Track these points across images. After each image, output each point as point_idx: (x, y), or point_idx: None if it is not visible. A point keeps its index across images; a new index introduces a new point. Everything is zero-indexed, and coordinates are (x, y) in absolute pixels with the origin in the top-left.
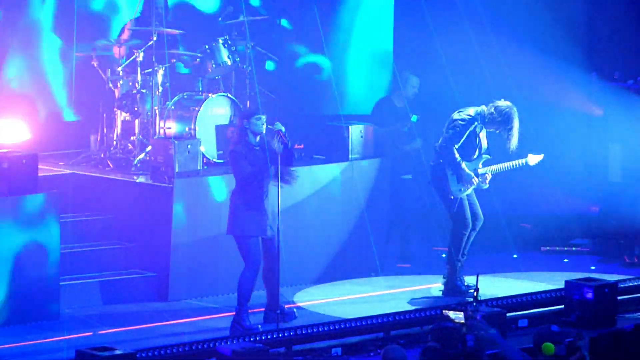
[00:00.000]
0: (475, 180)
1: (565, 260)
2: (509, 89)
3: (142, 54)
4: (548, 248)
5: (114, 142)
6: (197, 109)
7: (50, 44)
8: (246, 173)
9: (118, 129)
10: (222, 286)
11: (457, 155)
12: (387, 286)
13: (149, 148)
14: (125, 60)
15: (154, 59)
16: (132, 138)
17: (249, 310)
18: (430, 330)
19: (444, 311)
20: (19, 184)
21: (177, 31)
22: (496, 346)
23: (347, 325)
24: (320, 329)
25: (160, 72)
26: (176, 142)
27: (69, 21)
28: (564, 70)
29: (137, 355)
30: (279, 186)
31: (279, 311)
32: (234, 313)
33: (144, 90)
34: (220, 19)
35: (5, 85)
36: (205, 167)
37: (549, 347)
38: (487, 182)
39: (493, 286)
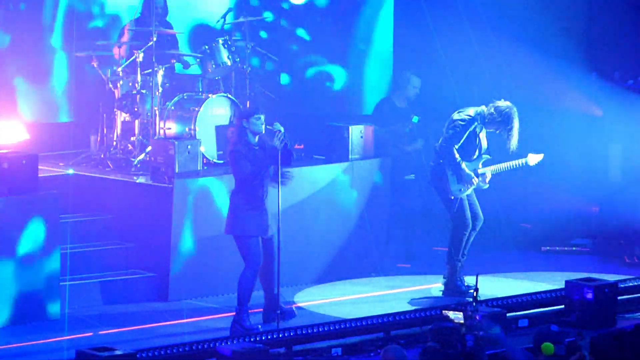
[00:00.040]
0: (475, 180)
1: (565, 260)
2: (509, 89)
3: (142, 54)
4: (548, 248)
5: (114, 143)
6: (197, 109)
7: (50, 44)
8: (247, 172)
9: (118, 130)
10: (222, 286)
11: (457, 155)
12: (387, 286)
13: (149, 148)
14: (125, 61)
15: (154, 59)
16: (132, 138)
17: (249, 310)
18: (429, 330)
19: (443, 311)
20: (19, 184)
21: (177, 31)
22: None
23: (347, 325)
24: (320, 329)
25: (160, 72)
26: (176, 142)
27: (70, 21)
28: (564, 70)
29: (137, 355)
30: (279, 186)
31: (279, 311)
32: (234, 313)
33: (144, 91)
34: (220, 19)
35: (5, 85)
36: (205, 167)
37: (548, 347)
38: (487, 181)
39: (493, 286)
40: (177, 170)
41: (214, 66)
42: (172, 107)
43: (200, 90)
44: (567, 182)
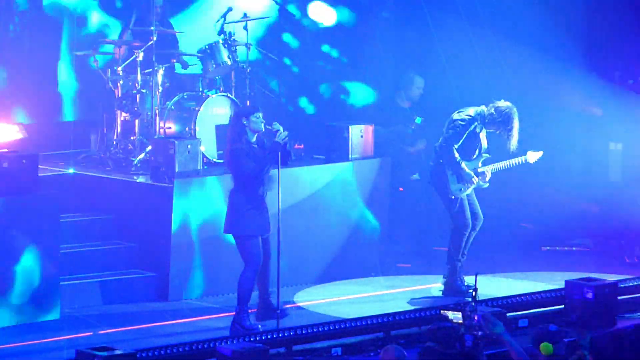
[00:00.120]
0: (475, 179)
1: (565, 260)
2: (509, 89)
3: (142, 54)
4: (548, 248)
5: (114, 142)
6: (197, 109)
7: (50, 44)
8: (249, 170)
9: (118, 129)
10: (222, 286)
11: (457, 155)
12: (387, 286)
13: (149, 148)
14: (125, 60)
15: (154, 59)
16: (132, 138)
17: (249, 310)
18: (428, 330)
19: (442, 311)
20: (19, 184)
21: (177, 31)
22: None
23: (347, 325)
24: (320, 329)
25: (160, 72)
26: (176, 142)
27: (70, 21)
28: (564, 70)
29: (137, 355)
30: (279, 186)
31: (279, 311)
32: (234, 313)
33: (144, 90)
34: (220, 19)
35: (5, 85)
36: (205, 167)
37: (547, 347)
38: (487, 180)
39: (493, 286)
40: (177, 170)
41: (214, 66)
42: (172, 107)
43: (200, 90)
44: (567, 182)
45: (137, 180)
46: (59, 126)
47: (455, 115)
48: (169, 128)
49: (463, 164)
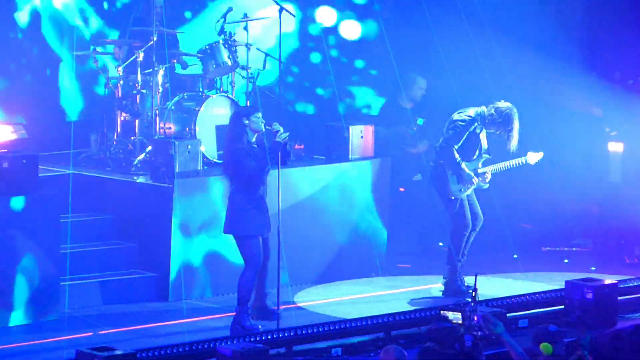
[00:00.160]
0: (476, 180)
1: (566, 260)
2: (509, 89)
3: (142, 54)
4: (548, 248)
5: (114, 142)
6: (197, 109)
7: (50, 43)
8: (250, 170)
9: (118, 129)
10: (222, 286)
11: (457, 155)
12: (387, 286)
13: (149, 148)
14: (125, 61)
15: (154, 59)
16: (132, 138)
17: (249, 311)
18: (427, 330)
19: (441, 311)
20: (19, 184)
21: (177, 31)
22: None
23: (347, 325)
24: (320, 329)
25: (161, 72)
26: (176, 142)
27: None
28: (564, 70)
29: (137, 355)
30: (279, 186)
31: (278, 311)
32: (234, 313)
33: (144, 91)
34: (220, 19)
35: (5, 85)
36: (205, 167)
37: (547, 347)
38: (487, 181)
39: (493, 286)
40: (177, 170)
41: (214, 66)
42: (172, 107)
43: (201, 89)
44: (567, 182)
45: (137, 180)
46: (59, 126)
47: (456, 116)
48: (169, 128)
49: (463, 165)
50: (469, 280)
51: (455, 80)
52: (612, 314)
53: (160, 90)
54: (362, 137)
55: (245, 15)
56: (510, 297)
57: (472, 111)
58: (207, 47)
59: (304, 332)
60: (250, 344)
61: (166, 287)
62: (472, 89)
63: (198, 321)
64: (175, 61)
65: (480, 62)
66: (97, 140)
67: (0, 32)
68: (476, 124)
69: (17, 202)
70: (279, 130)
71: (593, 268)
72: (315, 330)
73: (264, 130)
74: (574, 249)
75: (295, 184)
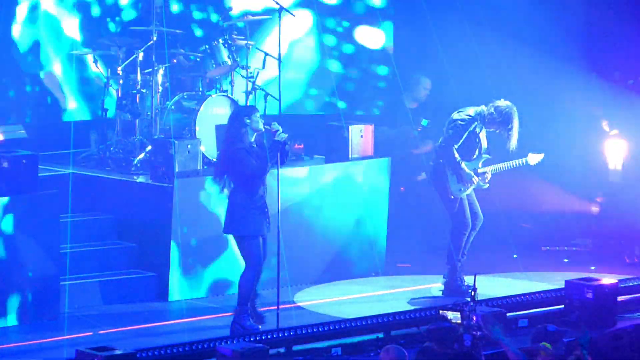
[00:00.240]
0: (476, 179)
1: (565, 260)
2: (509, 89)
3: (142, 54)
4: (548, 248)
5: (114, 142)
6: (197, 109)
7: (50, 44)
8: (252, 169)
9: (118, 129)
10: (222, 286)
11: (456, 155)
12: (387, 286)
13: (149, 148)
14: (125, 60)
15: (154, 59)
16: (132, 138)
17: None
18: (426, 330)
19: (440, 311)
20: (19, 184)
21: (177, 30)
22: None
23: (347, 325)
24: (320, 329)
25: (161, 72)
26: (176, 142)
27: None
28: (564, 70)
29: (137, 355)
30: (279, 186)
31: (278, 310)
32: (232, 313)
33: (144, 90)
34: (220, 19)
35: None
36: (205, 167)
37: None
38: (487, 181)
39: (493, 286)
40: (177, 170)
41: (214, 66)
42: (172, 107)
43: (200, 90)
44: (567, 182)
45: (137, 180)
46: (59, 126)
47: (455, 115)
48: (169, 128)
49: (463, 164)
50: (469, 280)
51: (455, 80)
52: (612, 313)
53: (160, 90)
54: (362, 136)
55: (245, 15)
56: (510, 297)
57: (471, 110)
58: (207, 47)
59: (303, 332)
60: (250, 344)
61: (166, 287)
62: (472, 89)
63: (198, 321)
64: (175, 61)
65: (480, 62)
66: (97, 140)
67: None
68: (476, 123)
69: (17, 202)
70: (278, 130)
71: (593, 267)
72: (315, 330)
73: (263, 130)
74: (574, 248)
75: (295, 184)
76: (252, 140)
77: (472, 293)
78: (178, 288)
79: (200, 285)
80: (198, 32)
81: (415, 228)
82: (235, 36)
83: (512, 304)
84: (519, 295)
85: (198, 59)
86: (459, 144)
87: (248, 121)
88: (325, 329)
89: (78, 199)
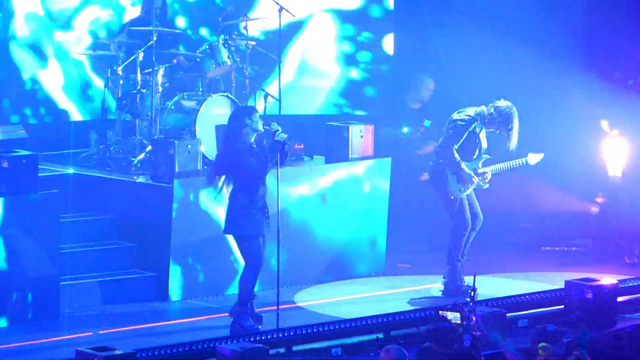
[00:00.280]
0: (476, 179)
1: (565, 260)
2: (509, 89)
3: (142, 54)
4: (548, 248)
5: (114, 142)
6: (197, 109)
7: (50, 43)
8: (253, 169)
9: (118, 129)
10: (222, 286)
11: (456, 155)
12: (387, 286)
13: (149, 148)
14: (125, 60)
15: (154, 59)
16: (132, 138)
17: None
18: (426, 330)
19: (440, 311)
20: (19, 184)
21: (177, 30)
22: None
23: (347, 325)
24: (320, 329)
25: (161, 72)
26: (176, 142)
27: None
28: (564, 70)
29: (137, 355)
30: (279, 186)
31: (278, 309)
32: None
33: (144, 90)
34: (220, 18)
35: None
36: (205, 167)
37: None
38: (487, 181)
39: (493, 286)
40: (177, 170)
41: (214, 66)
42: (172, 107)
43: (200, 89)
44: (567, 182)
45: (137, 180)
46: (59, 126)
47: (455, 116)
48: (169, 128)
49: (463, 164)
50: (469, 280)
51: (455, 79)
52: (612, 314)
53: (160, 90)
54: (362, 137)
55: (245, 15)
56: (509, 297)
57: (471, 110)
58: (207, 47)
59: (303, 332)
60: (250, 344)
61: (166, 287)
62: (472, 89)
63: (198, 321)
64: (175, 61)
65: (480, 62)
66: (97, 140)
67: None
68: (476, 123)
69: (17, 202)
70: (278, 130)
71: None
72: (315, 330)
73: (262, 130)
74: (573, 248)
75: (295, 184)
76: (252, 140)
77: (472, 293)
78: (178, 288)
79: (200, 285)
80: (201, 32)
81: (415, 228)
82: (235, 36)
83: (512, 304)
84: (519, 296)
85: (198, 59)
86: (459, 144)
87: (248, 121)
88: (325, 329)
89: (78, 199)
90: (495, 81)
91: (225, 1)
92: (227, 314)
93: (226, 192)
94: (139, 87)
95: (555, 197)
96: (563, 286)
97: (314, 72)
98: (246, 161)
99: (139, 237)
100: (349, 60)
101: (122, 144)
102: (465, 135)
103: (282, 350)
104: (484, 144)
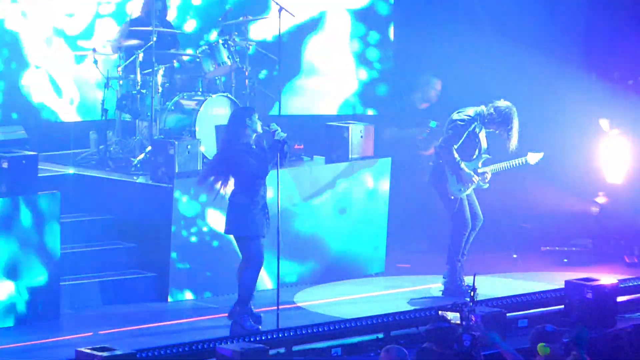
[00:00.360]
0: (475, 179)
1: (565, 260)
2: (509, 89)
3: (142, 54)
4: (548, 248)
5: (114, 142)
6: (197, 109)
7: (50, 43)
8: (254, 169)
9: (118, 129)
10: (222, 286)
11: (456, 155)
12: (387, 286)
13: (149, 148)
14: (125, 60)
15: (154, 59)
16: (132, 138)
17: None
18: (426, 330)
19: (440, 311)
20: (19, 184)
21: (177, 31)
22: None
23: (347, 325)
24: (320, 329)
25: (160, 72)
26: (176, 142)
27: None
28: (564, 70)
29: (137, 355)
30: (279, 186)
31: (278, 309)
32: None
33: (144, 91)
34: (220, 19)
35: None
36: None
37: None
38: (487, 181)
39: (493, 286)
40: (177, 170)
41: (214, 66)
42: (172, 107)
43: (200, 89)
44: (567, 182)
45: (137, 180)
46: (59, 126)
47: (455, 116)
48: (169, 128)
49: (463, 165)
50: (468, 280)
51: (454, 79)
52: (612, 314)
53: (160, 90)
54: (362, 137)
55: (245, 15)
56: (509, 297)
57: (471, 110)
58: (207, 47)
59: (303, 332)
60: (250, 344)
61: (166, 287)
62: (472, 89)
63: (198, 321)
64: (175, 61)
65: (480, 62)
66: (97, 140)
67: None
68: (475, 123)
69: (17, 202)
70: (277, 130)
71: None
72: (315, 330)
73: (262, 131)
74: (573, 248)
75: (295, 184)
76: (252, 140)
77: (472, 293)
78: (178, 288)
79: (200, 285)
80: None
81: (415, 228)
82: (235, 36)
83: (511, 304)
84: (519, 296)
85: (198, 59)
86: (459, 144)
87: (248, 122)
88: (325, 329)
89: (78, 199)
90: (495, 81)
91: (236, 3)
92: (226, 314)
93: (224, 193)
94: (138, 87)
95: (555, 197)
96: (563, 286)
97: (323, 73)
98: (246, 162)
99: (139, 237)
100: (360, 59)
101: (122, 144)
102: (465, 135)
103: (282, 350)
104: (484, 144)
